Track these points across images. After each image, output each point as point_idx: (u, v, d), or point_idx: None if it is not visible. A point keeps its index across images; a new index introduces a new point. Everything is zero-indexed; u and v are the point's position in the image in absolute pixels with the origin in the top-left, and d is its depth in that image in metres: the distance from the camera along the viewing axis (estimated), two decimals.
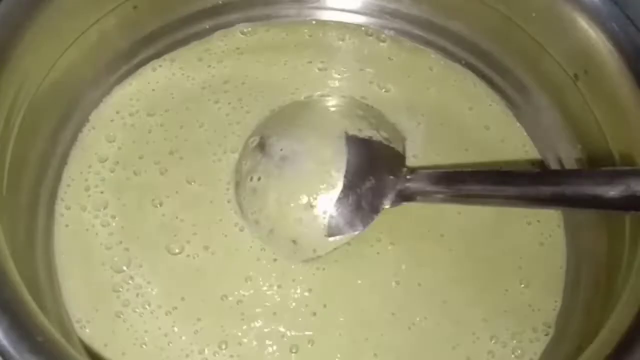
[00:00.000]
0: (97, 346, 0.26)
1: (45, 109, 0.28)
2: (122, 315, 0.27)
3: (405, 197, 0.28)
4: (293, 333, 0.27)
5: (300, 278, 0.28)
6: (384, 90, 0.34)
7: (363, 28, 0.35)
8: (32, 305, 0.19)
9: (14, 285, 0.19)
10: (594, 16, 0.28)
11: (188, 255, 0.28)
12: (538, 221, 0.31)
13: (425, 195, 0.28)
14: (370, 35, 0.35)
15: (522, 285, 0.29)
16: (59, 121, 0.30)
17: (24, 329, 0.18)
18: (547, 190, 0.25)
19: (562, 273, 0.29)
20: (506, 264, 0.29)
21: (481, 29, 0.33)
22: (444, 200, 0.28)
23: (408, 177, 0.28)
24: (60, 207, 0.29)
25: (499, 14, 0.32)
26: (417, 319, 0.28)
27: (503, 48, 0.33)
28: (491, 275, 0.29)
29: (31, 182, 0.28)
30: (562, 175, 0.27)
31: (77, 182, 0.30)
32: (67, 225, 0.29)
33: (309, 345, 0.27)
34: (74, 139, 0.31)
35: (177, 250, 0.29)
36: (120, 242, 0.29)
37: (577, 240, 0.30)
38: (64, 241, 0.28)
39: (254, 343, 0.27)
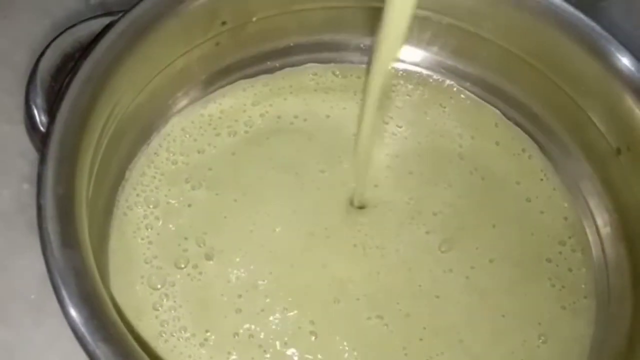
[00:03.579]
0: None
1: (130, 125, 0.32)
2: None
3: None
4: None
5: (314, 325, 0.30)
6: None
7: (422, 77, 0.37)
8: (107, 299, 0.23)
9: (93, 280, 0.23)
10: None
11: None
12: (563, 287, 0.32)
13: None
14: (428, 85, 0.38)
15: (541, 341, 0.31)
16: (139, 136, 0.33)
17: (100, 320, 0.22)
18: None
19: (583, 342, 0.30)
20: (525, 317, 0.31)
21: (534, 93, 0.35)
22: None
23: None
24: (120, 213, 0.32)
25: (552, 82, 0.34)
26: (435, 354, 0.30)
27: (551, 112, 0.35)
28: (509, 323, 0.31)
29: (108, 189, 0.31)
30: None
31: (141, 193, 0.33)
32: (122, 233, 0.31)
33: None
34: (147, 153, 0.34)
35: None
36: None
37: (602, 309, 0.31)
38: (116, 247, 0.31)
39: None
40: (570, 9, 0.31)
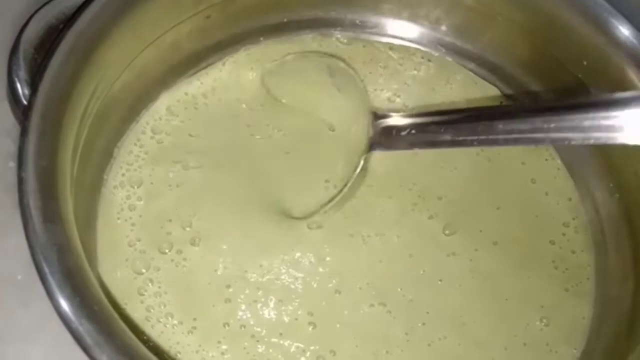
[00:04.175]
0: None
1: (117, 101, 0.30)
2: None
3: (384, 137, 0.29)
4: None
5: (313, 315, 0.29)
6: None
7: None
8: (91, 276, 0.22)
9: (77, 256, 0.22)
10: None
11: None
12: (566, 268, 0.31)
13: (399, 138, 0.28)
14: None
15: (543, 323, 0.30)
16: (127, 113, 0.32)
17: (84, 298, 0.21)
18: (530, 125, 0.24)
19: (584, 323, 0.30)
20: (528, 299, 0.30)
21: (534, 71, 0.35)
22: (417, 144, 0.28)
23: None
24: (107, 192, 0.31)
25: (554, 58, 0.33)
26: (437, 337, 0.29)
27: (552, 90, 0.34)
28: (512, 307, 0.30)
29: (95, 167, 0.30)
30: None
31: (126, 173, 0.31)
32: (108, 213, 0.30)
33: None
34: (135, 131, 0.33)
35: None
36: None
37: (604, 290, 0.30)
38: (102, 230, 0.30)
39: None
40: None
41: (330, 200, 0.31)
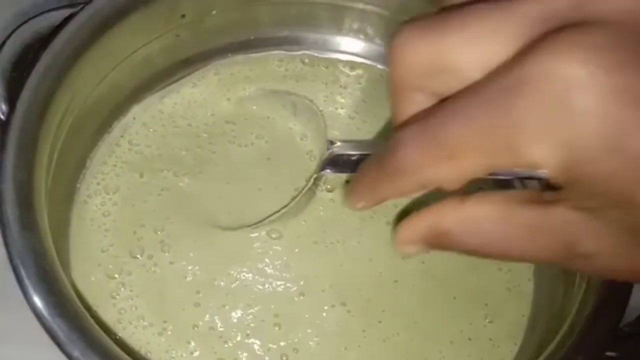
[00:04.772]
0: None
1: (90, 115, 0.32)
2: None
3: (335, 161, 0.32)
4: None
5: (279, 317, 0.31)
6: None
7: None
8: (64, 278, 0.23)
9: (52, 260, 0.23)
10: None
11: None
12: (509, 270, 0.34)
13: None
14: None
15: (487, 320, 0.32)
16: (99, 126, 0.34)
17: (57, 297, 0.22)
18: None
19: (524, 321, 0.32)
20: (474, 298, 0.33)
21: None
22: None
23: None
24: (80, 201, 0.32)
25: None
26: (391, 334, 0.31)
27: None
28: (459, 305, 0.32)
29: (69, 177, 0.32)
30: None
31: (101, 182, 0.33)
32: (81, 220, 0.32)
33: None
34: (108, 143, 0.35)
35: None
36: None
37: (541, 290, 0.33)
38: (76, 237, 0.32)
39: None
40: None
41: (275, 213, 0.33)
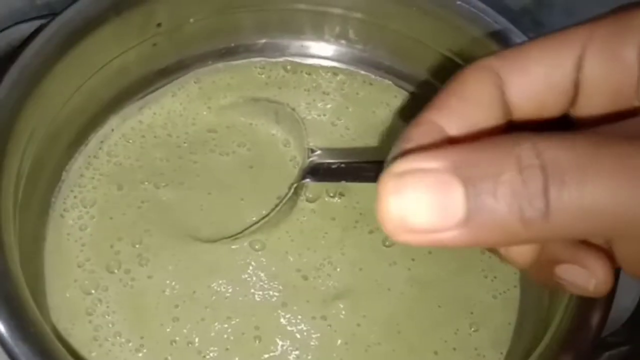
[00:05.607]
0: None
1: (65, 125, 0.32)
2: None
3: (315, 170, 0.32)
4: None
5: (259, 330, 0.31)
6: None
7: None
8: (29, 300, 0.23)
9: (16, 281, 0.23)
10: None
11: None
12: (495, 277, 0.33)
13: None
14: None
15: (472, 329, 0.32)
16: (75, 137, 0.33)
17: (20, 320, 0.22)
18: None
19: (510, 328, 0.32)
20: (459, 306, 0.32)
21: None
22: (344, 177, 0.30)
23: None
24: (56, 215, 0.32)
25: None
26: (373, 343, 0.31)
27: None
28: (445, 313, 0.32)
29: (43, 190, 0.31)
30: None
31: (78, 195, 0.33)
32: (58, 235, 0.31)
33: None
34: (85, 155, 0.34)
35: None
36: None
37: (527, 297, 0.32)
38: (51, 251, 0.31)
39: None
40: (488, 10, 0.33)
41: (255, 224, 0.32)
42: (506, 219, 0.15)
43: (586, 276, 0.19)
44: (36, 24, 0.29)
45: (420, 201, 0.15)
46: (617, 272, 0.19)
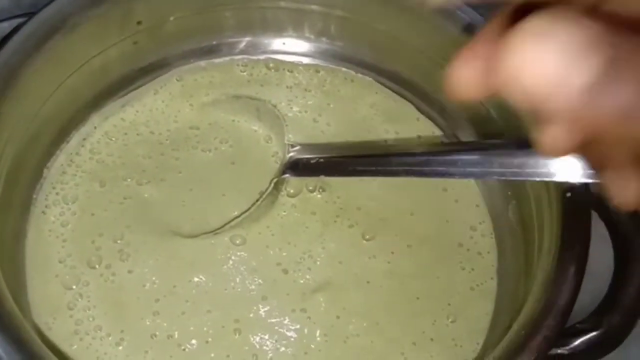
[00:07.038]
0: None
1: (47, 123, 0.32)
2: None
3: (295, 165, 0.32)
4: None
5: (239, 322, 0.31)
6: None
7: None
8: (5, 291, 0.23)
9: None
10: None
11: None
12: (472, 269, 0.34)
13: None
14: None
15: (450, 320, 0.32)
16: (57, 134, 0.34)
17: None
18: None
19: (487, 319, 0.32)
20: (437, 298, 0.33)
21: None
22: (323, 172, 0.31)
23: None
24: (37, 211, 0.32)
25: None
26: (352, 336, 0.31)
27: (459, 106, 0.37)
28: (422, 305, 0.32)
29: (24, 187, 0.32)
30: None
31: (60, 192, 0.33)
32: (39, 231, 0.32)
33: None
34: (66, 152, 0.34)
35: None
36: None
37: (503, 289, 0.33)
38: (32, 247, 0.31)
39: None
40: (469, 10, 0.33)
41: (236, 218, 0.33)
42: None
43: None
44: (15, 22, 0.30)
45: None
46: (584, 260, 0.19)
